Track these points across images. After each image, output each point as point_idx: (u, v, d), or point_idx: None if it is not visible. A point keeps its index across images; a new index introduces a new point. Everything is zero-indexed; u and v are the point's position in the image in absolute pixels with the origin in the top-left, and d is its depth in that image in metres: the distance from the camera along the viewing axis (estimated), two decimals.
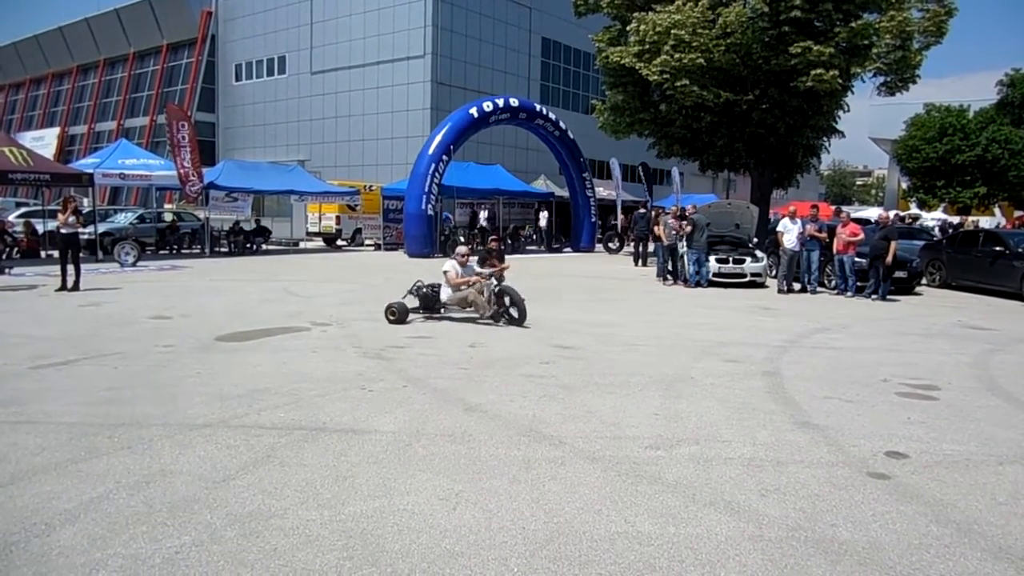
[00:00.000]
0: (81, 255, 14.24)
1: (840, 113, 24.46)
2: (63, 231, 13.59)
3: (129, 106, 53.27)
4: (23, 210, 26.10)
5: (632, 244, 24.20)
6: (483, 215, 31.74)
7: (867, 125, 48.21)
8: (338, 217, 29.56)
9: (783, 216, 16.98)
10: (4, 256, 19.34)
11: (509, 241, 28.71)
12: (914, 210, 36.92)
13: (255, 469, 4.57)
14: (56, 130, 56.18)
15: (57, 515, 3.85)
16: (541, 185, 32.88)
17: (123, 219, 24.88)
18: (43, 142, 50.97)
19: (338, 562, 3.41)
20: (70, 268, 13.47)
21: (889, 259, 14.36)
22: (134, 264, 18.78)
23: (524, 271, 19.18)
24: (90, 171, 20.88)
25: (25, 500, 4.04)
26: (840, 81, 20.98)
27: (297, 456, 4.82)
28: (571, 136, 27.93)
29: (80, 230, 14.49)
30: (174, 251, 24.06)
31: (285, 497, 4.15)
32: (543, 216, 31.15)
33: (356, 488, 4.30)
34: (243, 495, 4.16)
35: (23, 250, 20.83)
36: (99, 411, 5.75)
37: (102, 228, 22.13)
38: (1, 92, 64.93)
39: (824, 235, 15.69)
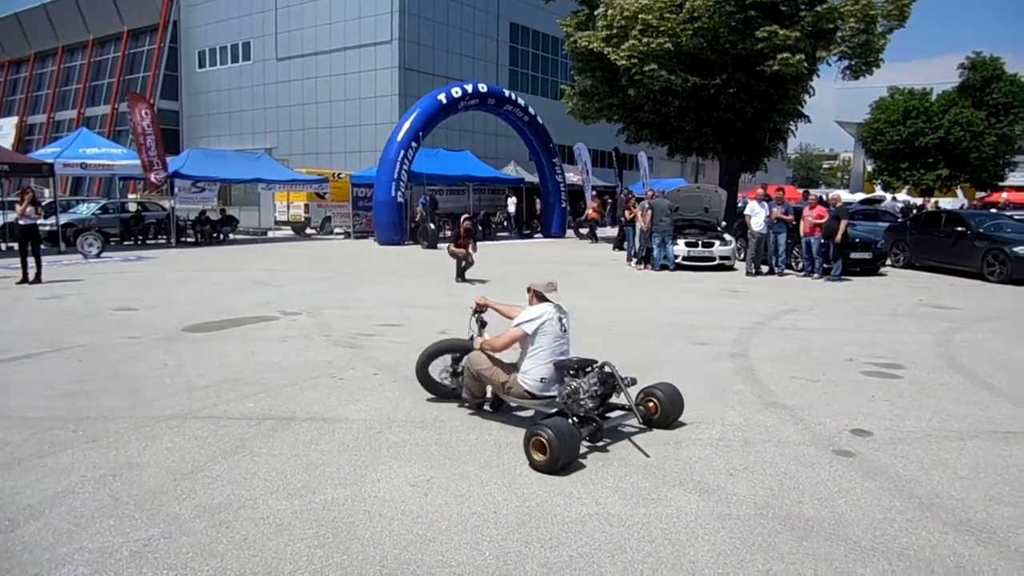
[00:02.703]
0: (42, 247, 13.94)
1: (806, 97, 24.72)
2: (21, 222, 13.30)
3: (89, 94, 52.06)
4: None
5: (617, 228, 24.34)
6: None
7: (833, 109, 48.84)
8: (307, 205, 29.28)
9: (752, 199, 17.16)
10: None
11: (480, 228, 28.66)
12: (879, 192, 37.50)
13: (224, 460, 4.53)
14: (14, 119, 54.67)
15: (21, 511, 3.79)
16: (511, 171, 32.84)
17: (86, 209, 24.41)
18: (1, 132, 49.62)
19: (309, 550, 3.40)
20: (30, 260, 13.20)
21: (838, 238, 14.64)
22: (98, 255, 18.43)
23: (495, 257, 19.18)
24: (50, 161, 20.42)
25: None
26: (806, 65, 21.19)
27: (267, 446, 4.79)
28: (540, 122, 27.86)
29: (39, 221, 14.18)
30: (139, 242, 23.63)
31: (255, 487, 4.12)
32: (511, 202, 31.12)
33: (327, 476, 4.28)
34: (212, 486, 4.12)
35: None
36: (63, 404, 5.65)
37: (64, 219, 21.68)
38: None
39: (791, 217, 15.88)
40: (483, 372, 5.23)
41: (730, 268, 16.77)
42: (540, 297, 5.16)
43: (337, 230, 29.29)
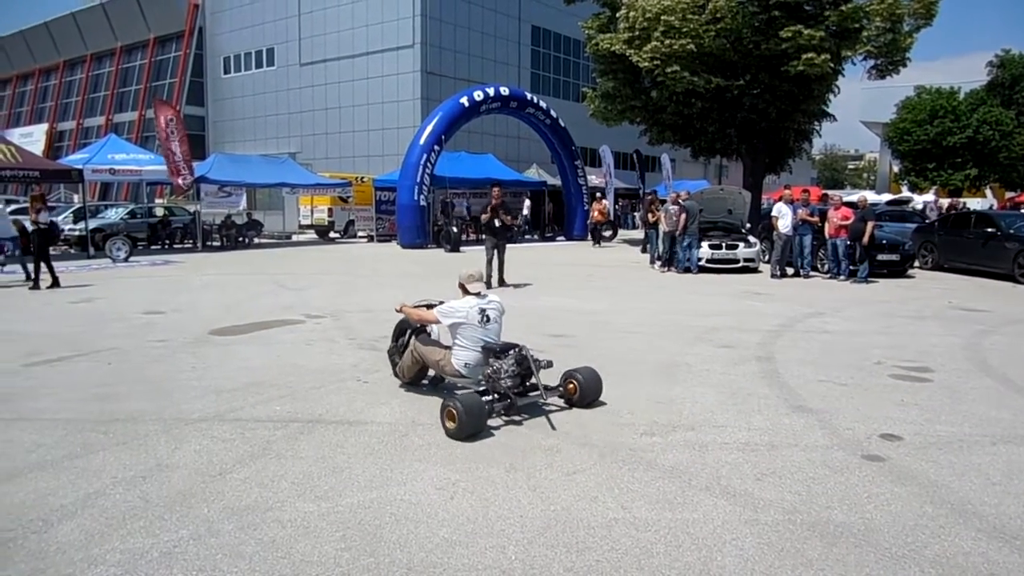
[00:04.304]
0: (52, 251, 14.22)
1: (831, 97, 24.47)
2: (40, 227, 13.45)
3: (117, 101, 52.88)
4: (12, 208, 25.93)
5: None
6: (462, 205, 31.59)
7: (858, 109, 48.25)
8: (330, 209, 29.48)
9: (777, 201, 17.01)
10: None
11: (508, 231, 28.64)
12: (906, 193, 37.01)
13: (251, 462, 4.57)
14: (44, 126, 55.71)
15: (54, 511, 3.85)
16: (533, 174, 32.83)
17: (114, 214, 24.76)
18: (32, 138, 50.52)
19: (336, 553, 3.42)
20: (38, 265, 13.38)
21: (865, 239, 14.46)
22: (126, 259, 18.70)
23: (517, 260, 19.19)
24: (80, 167, 20.75)
25: (22, 496, 4.04)
26: (831, 65, 20.98)
27: (293, 448, 4.82)
28: (562, 124, 27.85)
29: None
30: (166, 246, 23.96)
31: (282, 490, 4.15)
32: (526, 205, 31.08)
33: (353, 479, 4.31)
34: (240, 488, 4.16)
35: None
36: (94, 407, 5.74)
37: (93, 224, 22.00)
38: None
39: (816, 219, 15.72)
40: (423, 351, 5.96)
41: (755, 270, 16.63)
42: (465, 289, 5.80)
43: (360, 233, 29.48)
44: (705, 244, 16.62)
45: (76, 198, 26.54)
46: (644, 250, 21.31)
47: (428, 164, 23.64)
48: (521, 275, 15.20)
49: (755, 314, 10.70)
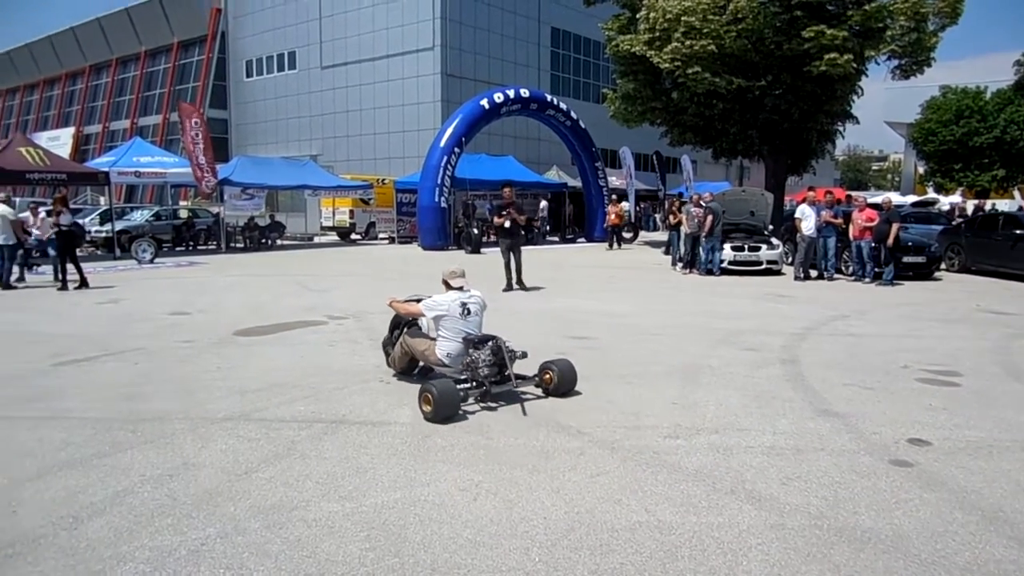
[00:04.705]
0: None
1: (854, 97, 24.21)
2: (62, 229, 13.66)
3: (142, 104, 53.54)
4: (43, 210, 26.32)
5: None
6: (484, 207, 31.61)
7: (882, 109, 47.66)
8: (352, 211, 29.64)
9: (800, 202, 16.86)
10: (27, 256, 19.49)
11: (523, 232, 28.64)
12: (931, 194, 36.54)
13: (276, 462, 4.60)
14: (71, 130, 56.56)
15: (84, 508, 3.90)
16: (553, 175, 32.80)
17: (139, 217, 25.06)
18: (59, 142, 51.29)
19: (361, 553, 3.44)
20: (64, 266, 13.62)
21: (890, 241, 14.29)
22: (151, 261, 18.94)
23: (537, 261, 19.18)
24: (106, 170, 21.04)
25: (52, 494, 4.10)
26: (854, 65, 20.75)
27: (317, 449, 4.85)
28: (583, 126, 27.82)
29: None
30: (190, 247, 24.22)
31: (307, 489, 4.18)
32: (543, 206, 31.01)
33: (377, 480, 4.32)
34: (265, 487, 4.20)
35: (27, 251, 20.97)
36: (121, 406, 5.81)
37: (119, 226, 22.28)
38: (17, 93, 65.44)
39: (840, 221, 15.56)
40: (411, 343, 6.41)
41: (777, 273, 16.50)
42: (448, 285, 6.24)
43: (382, 235, 29.61)
44: (727, 246, 16.51)
45: (102, 200, 26.90)
46: (667, 252, 21.20)
47: (449, 166, 23.71)
48: (542, 277, 15.19)
49: (779, 316, 10.62)
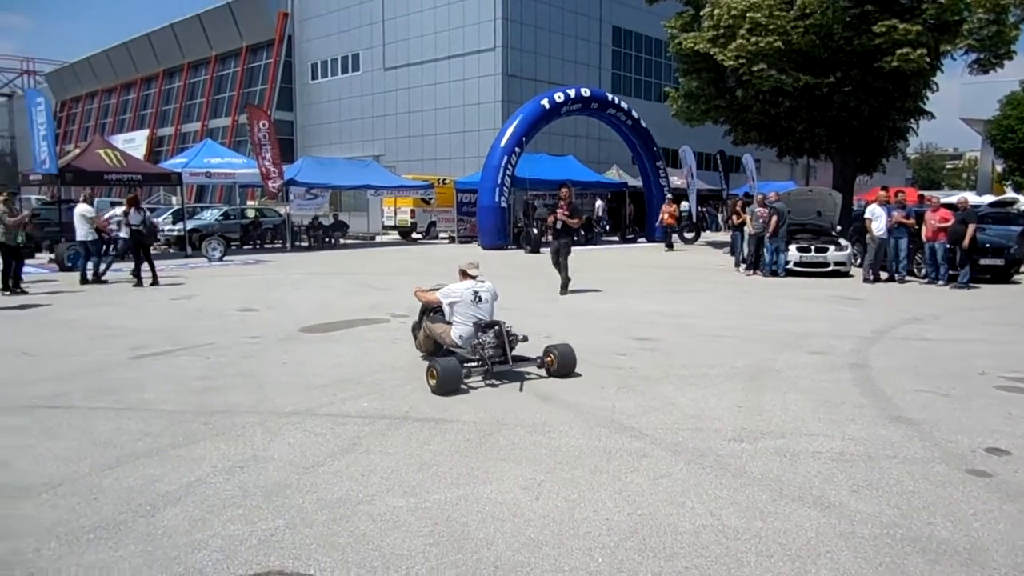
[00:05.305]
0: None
1: (928, 93, 23.34)
2: (133, 229, 14.19)
3: (212, 107, 55.19)
4: (117, 209, 27.42)
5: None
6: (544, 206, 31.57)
7: (957, 105, 45.85)
8: (413, 211, 30.01)
9: (870, 202, 16.36)
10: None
11: (583, 232, 28.57)
12: (1010, 194, 34.99)
13: (342, 456, 4.70)
14: (145, 132, 58.67)
15: (160, 497, 4.05)
16: (613, 175, 32.59)
17: (209, 216, 25.87)
18: (134, 144, 53.22)
19: (425, 547, 3.48)
20: (139, 264, 14.16)
21: (966, 243, 13.72)
22: (221, 259, 19.54)
23: (596, 261, 19.10)
24: (179, 170, 21.80)
25: (130, 482, 4.27)
26: (928, 60, 19.99)
27: (381, 444, 4.93)
28: (644, 125, 27.56)
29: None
30: (257, 246, 24.90)
31: (372, 484, 4.25)
32: (599, 206, 30.74)
33: (440, 476, 4.37)
34: (332, 481, 4.29)
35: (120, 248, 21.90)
36: (194, 399, 6.01)
37: (190, 225, 23.06)
38: (95, 97, 68.24)
39: (912, 221, 15.04)
40: (431, 327, 7.06)
41: (846, 275, 16.04)
42: (464, 274, 7.00)
43: (442, 235, 29.91)
44: (793, 247, 16.14)
45: (174, 200, 27.89)
46: (731, 253, 20.80)
47: (509, 166, 23.78)
48: (601, 278, 15.11)
49: (847, 320, 10.32)
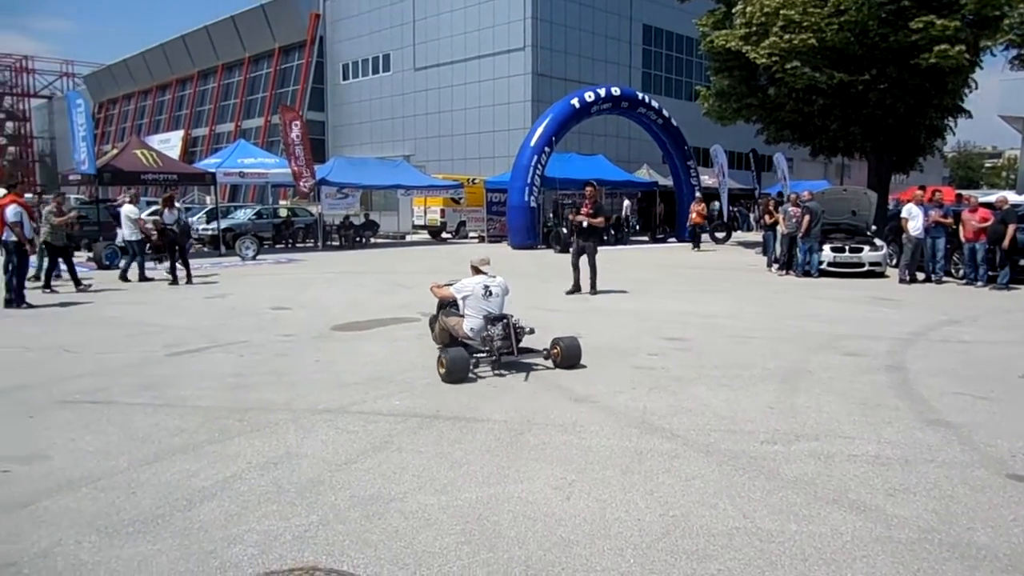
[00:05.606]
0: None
1: (966, 91, 22.86)
2: (169, 227, 14.43)
3: (245, 108, 55.94)
4: (152, 209, 27.90)
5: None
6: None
7: (997, 102, 44.81)
8: (443, 210, 30.13)
9: (905, 201, 16.07)
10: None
11: (612, 232, 28.45)
12: None
13: (374, 454, 4.74)
14: (180, 132, 59.65)
15: (196, 492, 4.12)
16: (644, 174, 32.40)
17: (242, 215, 26.21)
18: (169, 144, 54.10)
19: (457, 545, 3.50)
20: (174, 262, 14.42)
21: (1006, 243, 13.41)
22: (254, 258, 19.80)
23: (625, 261, 19.02)
24: (213, 170, 22.13)
25: (168, 477, 4.35)
26: (967, 56, 19.57)
27: (412, 442, 4.96)
28: (674, 124, 27.37)
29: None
30: (289, 245, 25.17)
31: (403, 482, 4.28)
32: (626, 205, 30.51)
33: (471, 475, 4.39)
34: (364, 478, 4.32)
35: (155, 247, 22.28)
36: (229, 396, 6.11)
37: (224, 224, 23.38)
38: (132, 99, 69.56)
39: (950, 220, 14.74)
40: (445, 320, 7.39)
41: (881, 275, 15.78)
42: (476, 270, 7.31)
43: (472, 234, 29.99)
44: (827, 247, 15.91)
45: (208, 200, 28.28)
46: (764, 252, 20.55)
47: (539, 165, 23.77)
48: (630, 278, 15.05)
49: (883, 321, 10.16)
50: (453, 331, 7.25)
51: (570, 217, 13.45)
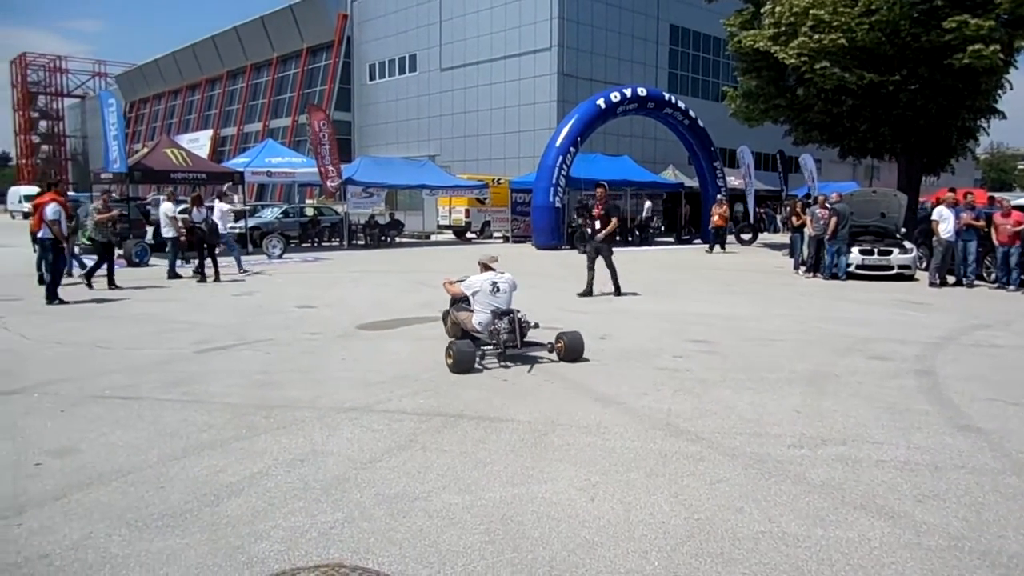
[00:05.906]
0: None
1: (1000, 92, 22.46)
2: (198, 225, 14.62)
3: (273, 108, 56.48)
4: (181, 207, 28.25)
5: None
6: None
7: None
8: (467, 210, 30.19)
9: (935, 204, 15.82)
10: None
11: (638, 232, 28.35)
12: None
13: (399, 453, 4.77)
14: (209, 132, 60.34)
15: (224, 488, 4.17)
16: (669, 175, 32.24)
17: (270, 214, 26.47)
18: (198, 143, 54.71)
19: (481, 545, 3.51)
20: (202, 260, 14.66)
21: None
22: (280, 256, 20.00)
23: (650, 263, 18.94)
24: (241, 170, 22.37)
25: (196, 472, 4.41)
26: (1001, 57, 19.24)
27: (437, 442, 4.98)
28: (701, 125, 27.20)
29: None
30: (315, 244, 25.36)
31: (428, 481, 4.30)
32: (647, 206, 30.31)
33: (495, 475, 4.40)
34: (389, 477, 4.35)
35: (183, 245, 22.57)
36: (256, 393, 6.17)
37: (251, 223, 23.62)
38: (162, 99, 70.56)
39: (982, 223, 14.49)
40: (456, 315, 7.75)
41: (910, 278, 15.56)
42: (484, 267, 7.64)
43: (496, 234, 30.02)
44: (855, 249, 15.72)
45: (236, 199, 28.53)
46: (791, 255, 20.33)
47: (564, 166, 23.73)
48: (655, 279, 14.98)
49: (912, 325, 10.01)
50: (463, 324, 7.56)
51: (580, 222, 13.39)
